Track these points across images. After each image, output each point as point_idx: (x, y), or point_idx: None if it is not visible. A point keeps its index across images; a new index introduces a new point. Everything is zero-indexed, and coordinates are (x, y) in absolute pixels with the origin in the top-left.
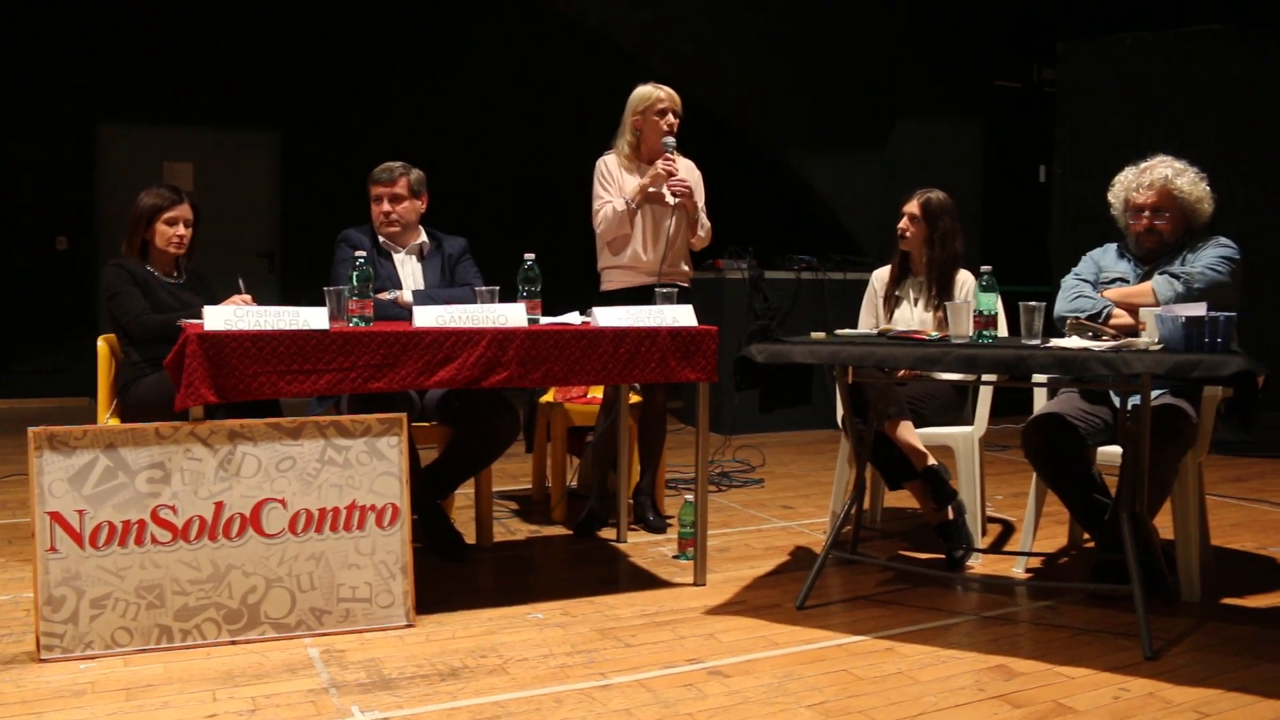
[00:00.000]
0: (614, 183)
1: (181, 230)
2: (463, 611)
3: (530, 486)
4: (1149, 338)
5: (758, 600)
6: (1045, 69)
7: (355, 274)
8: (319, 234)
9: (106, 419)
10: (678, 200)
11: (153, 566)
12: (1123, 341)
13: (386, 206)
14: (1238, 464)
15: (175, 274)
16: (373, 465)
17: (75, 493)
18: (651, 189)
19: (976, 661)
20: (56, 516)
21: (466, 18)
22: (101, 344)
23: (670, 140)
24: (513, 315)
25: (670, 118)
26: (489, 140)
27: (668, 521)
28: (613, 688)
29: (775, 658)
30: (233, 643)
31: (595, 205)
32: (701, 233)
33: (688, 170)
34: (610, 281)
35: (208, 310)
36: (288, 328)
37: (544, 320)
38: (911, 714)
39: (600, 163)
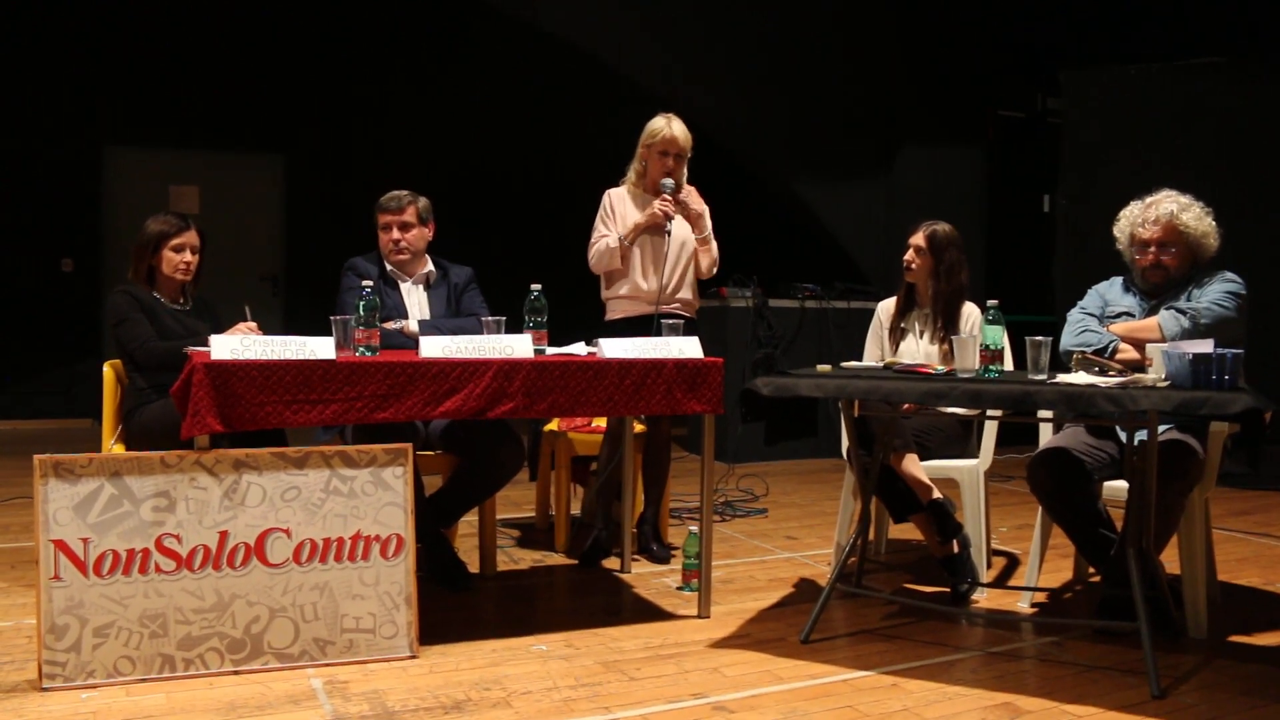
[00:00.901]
0: (614, 218)
1: (188, 257)
2: (466, 642)
3: (534, 515)
4: (1156, 373)
5: (762, 633)
6: (1049, 99)
7: (362, 303)
8: (323, 258)
9: (111, 444)
10: (668, 231)
11: (156, 595)
12: (1129, 377)
13: (396, 234)
14: (1243, 497)
15: (181, 300)
16: (378, 495)
17: (80, 521)
18: (649, 224)
19: (982, 699)
20: (61, 544)
21: (473, 46)
22: (107, 369)
23: (669, 182)
24: (519, 346)
25: (670, 162)
26: (494, 169)
27: (671, 552)
28: None
29: (780, 693)
30: (235, 673)
31: (593, 238)
32: (706, 261)
33: (690, 194)
34: (614, 311)
35: (214, 339)
36: (294, 357)
37: (550, 351)
38: None
39: (605, 196)
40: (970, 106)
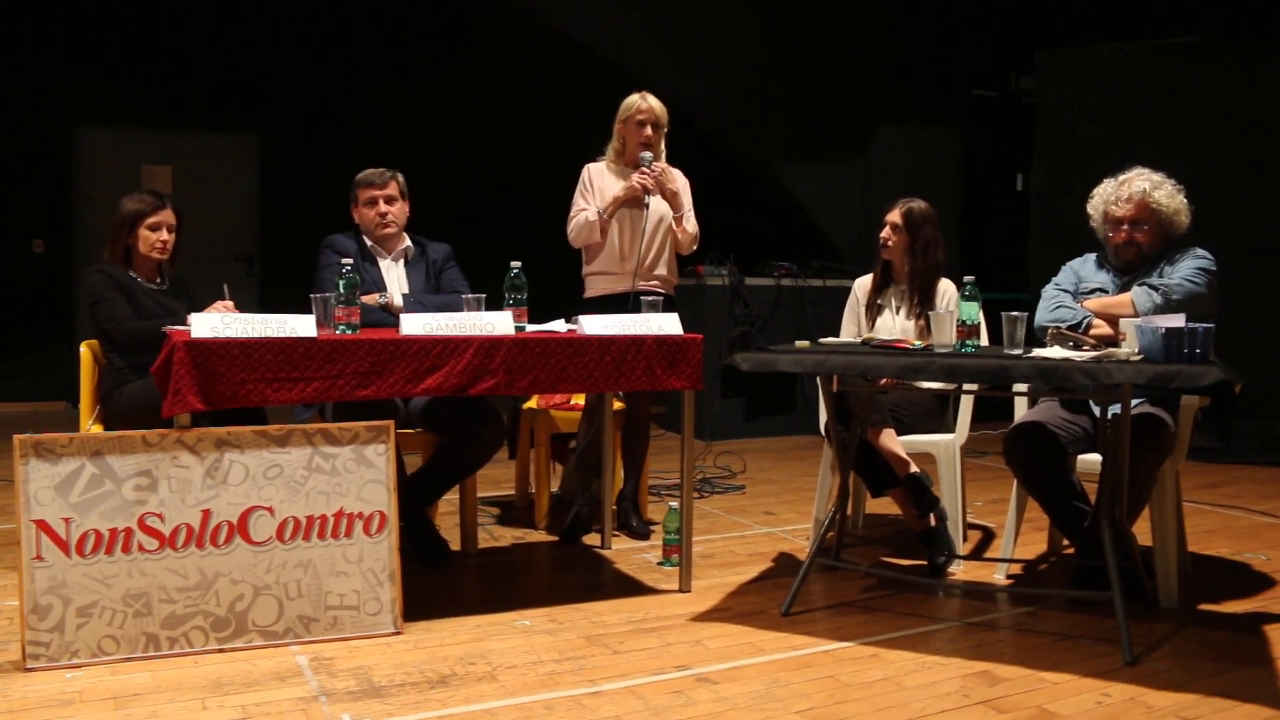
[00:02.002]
0: (593, 192)
1: (165, 235)
2: (450, 619)
3: (513, 492)
4: (1129, 348)
5: (743, 607)
6: (1023, 78)
7: (342, 281)
8: (298, 238)
9: (90, 425)
10: (647, 204)
11: (140, 575)
12: (1103, 351)
13: (383, 207)
14: (1211, 470)
15: (158, 280)
16: (360, 473)
17: (61, 500)
18: (628, 197)
19: (961, 667)
20: (42, 525)
21: (448, 23)
22: (84, 349)
23: (647, 155)
24: (499, 323)
25: (649, 130)
26: (470, 145)
27: (650, 528)
28: (602, 695)
29: (762, 664)
30: (220, 650)
31: (571, 212)
32: (686, 236)
33: (667, 171)
34: (592, 288)
35: (194, 318)
36: (275, 335)
37: (530, 328)
38: None
39: (585, 170)
40: (945, 85)
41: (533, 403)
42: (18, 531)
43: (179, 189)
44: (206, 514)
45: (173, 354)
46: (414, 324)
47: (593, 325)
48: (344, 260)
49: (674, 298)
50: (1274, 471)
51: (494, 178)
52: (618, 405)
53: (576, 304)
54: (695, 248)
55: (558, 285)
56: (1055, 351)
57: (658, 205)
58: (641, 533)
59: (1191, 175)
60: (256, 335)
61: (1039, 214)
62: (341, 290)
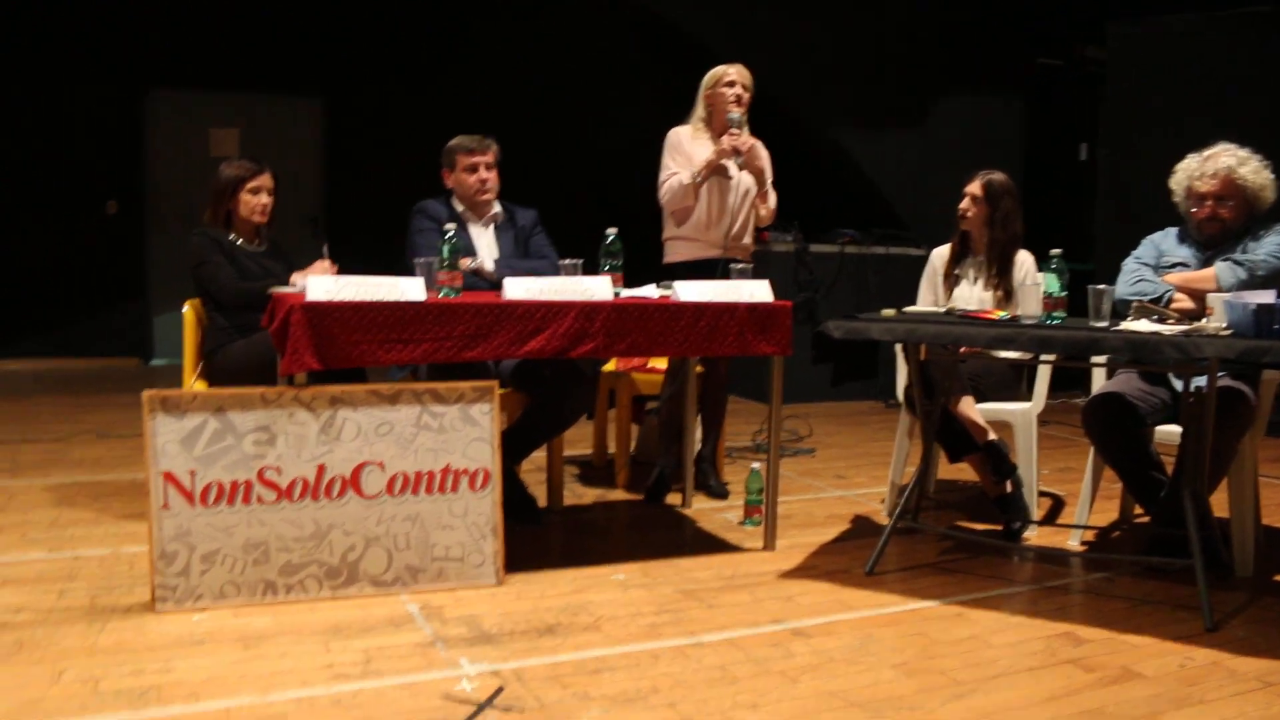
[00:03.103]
0: (683, 154)
1: (265, 199)
2: (548, 571)
3: (590, 453)
4: (1217, 322)
5: (828, 565)
6: (1089, 46)
7: (446, 246)
8: (363, 200)
9: (193, 382)
10: (740, 165)
11: (259, 525)
12: (1191, 326)
13: (483, 174)
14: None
15: (257, 242)
16: (466, 431)
17: (187, 453)
18: (718, 162)
19: (1044, 628)
20: (169, 476)
21: None
22: (187, 309)
23: (735, 115)
24: (599, 288)
25: (738, 89)
26: (540, 112)
27: (727, 488)
28: (704, 645)
29: (853, 620)
30: (334, 598)
31: (662, 176)
32: (765, 210)
33: (756, 146)
34: (674, 253)
35: (311, 281)
36: (387, 299)
37: (624, 293)
38: (990, 674)
39: (671, 134)
40: (1010, 54)
41: (612, 365)
42: (147, 481)
43: (247, 151)
44: (321, 468)
45: (290, 316)
46: (517, 288)
47: (688, 291)
48: (448, 226)
49: (752, 264)
50: None
51: (564, 142)
52: (697, 369)
53: (653, 270)
54: (772, 222)
55: (630, 251)
56: (1142, 324)
57: (743, 176)
58: (720, 492)
59: (1265, 148)
60: (369, 299)
61: (1106, 185)
62: (445, 255)
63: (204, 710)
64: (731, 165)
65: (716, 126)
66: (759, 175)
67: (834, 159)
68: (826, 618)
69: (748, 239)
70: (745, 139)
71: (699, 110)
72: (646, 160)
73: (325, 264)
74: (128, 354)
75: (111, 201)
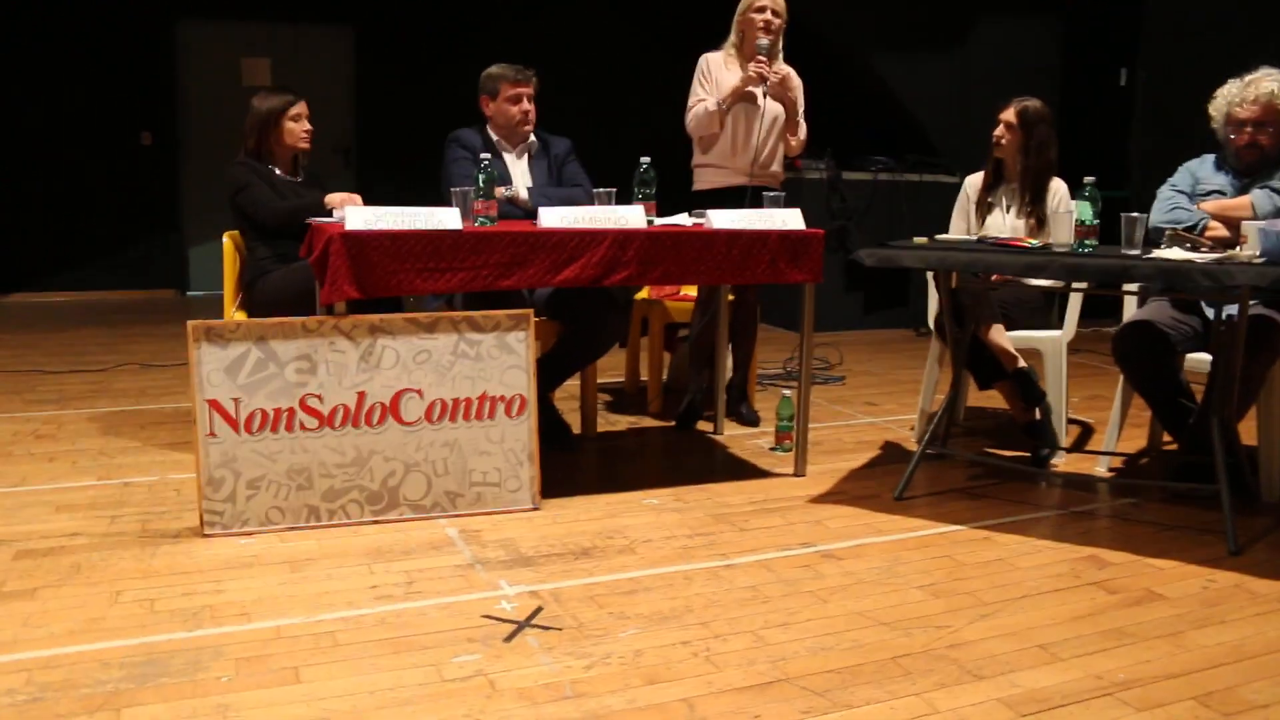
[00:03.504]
0: (711, 81)
1: (307, 125)
2: (581, 496)
3: (623, 379)
4: (1250, 250)
5: (857, 490)
6: None
7: (482, 175)
8: (393, 130)
9: (234, 312)
10: (766, 93)
11: (302, 451)
12: (1224, 254)
13: (526, 105)
14: None
15: (295, 173)
16: (502, 359)
17: (231, 382)
18: (745, 90)
19: (1070, 551)
20: (214, 404)
21: None
22: (226, 240)
23: (763, 42)
24: (633, 217)
25: (769, 15)
26: (568, 38)
27: (758, 415)
28: (736, 567)
29: (882, 544)
30: (375, 522)
31: (690, 102)
32: (795, 141)
33: (788, 77)
34: (701, 181)
35: (349, 210)
36: (424, 227)
37: (657, 221)
38: (1015, 596)
39: (702, 60)
40: None
41: (645, 293)
42: (193, 410)
43: (278, 81)
44: (361, 395)
45: (329, 245)
46: (552, 217)
47: (721, 219)
48: (482, 155)
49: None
50: None
51: (596, 71)
52: (728, 297)
53: (683, 198)
54: (802, 152)
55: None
56: (1174, 253)
57: (771, 105)
58: (751, 420)
59: None
60: (407, 227)
61: (1145, 110)
62: (481, 184)
63: (256, 629)
64: (759, 93)
65: (748, 53)
66: (790, 106)
67: (867, 85)
68: (855, 541)
69: (776, 167)
70: (778, 68)
71: (732, 35)
72: (680, 88)
73: (348, 196)
74: (165, 285)
75: (146, 133)
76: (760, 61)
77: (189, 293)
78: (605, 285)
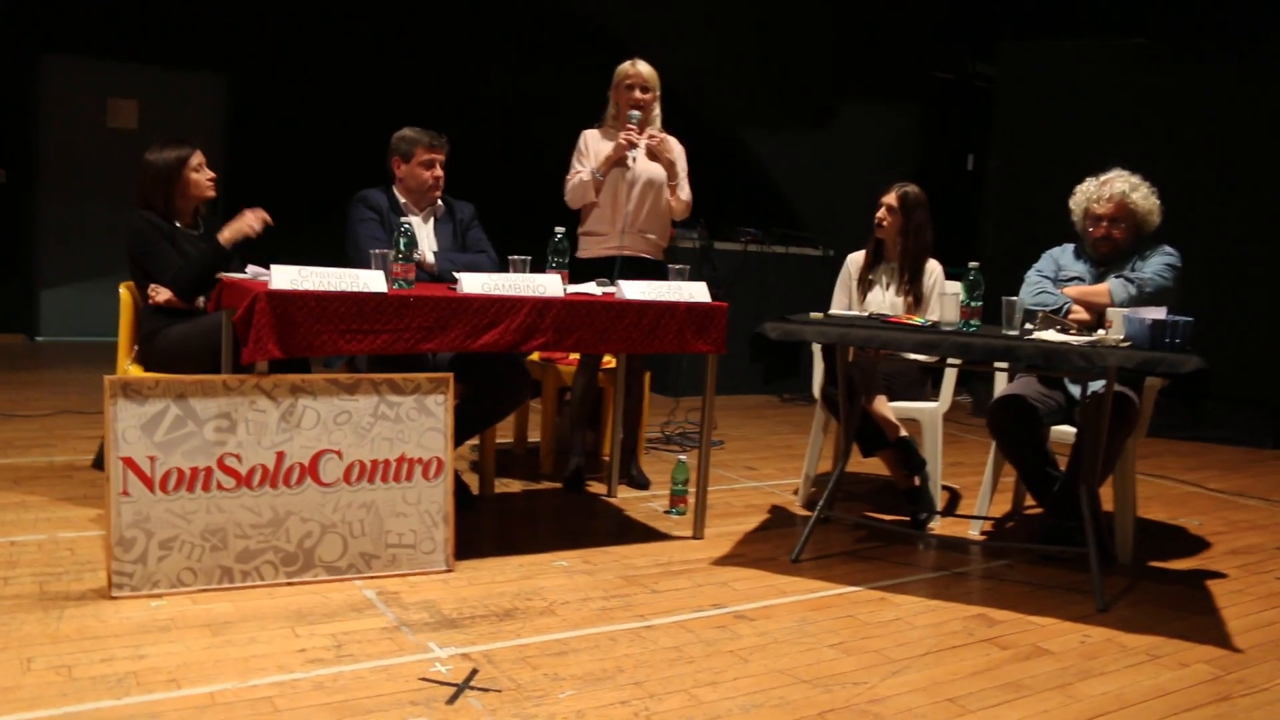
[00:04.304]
0: (588, 155)
1: (209, 173)
2: (493, 558)
3: (511, 440)
4: (1116, 335)
5: (754, 553)
6: (979, 63)
7: (402, 239)
8: (264, 181)
9: (128, 366)
10: (634, 159)
11: (218, 511)
12: (1095, 337)
13: (439, 171)
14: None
15: (195, 225)
16: (421, 421)
17: (147, 439)
18: (618, 156)
19: (960, 610)
20: (129, 462)
21: None
22: (123, 291)
23: (635, 113)
24: (550, 285)
25: (637, 93)
26: (453, 99)
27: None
28: (657, 628)
29: (788, 604)
30: (289, 584)
31: (568, 175)
32: (679, 204)
33: (665, 140)
34: (583, 249)
35: (275, 269)
36: (349, 290)
37: (569, 289)
38: (919, 653)
39: (581, 136)
40: (906, 66)
41: (535, 356)
42: (107, 469)
43: (146, 125)
44: (280, 456)
45: (254, 304)
46: (473, 283)
47: (631, 290)
48: (403, 220)
49: (662, 263)
50: (1193, 445)
51: (480, 130)
52: (609, 362)
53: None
54: (688, 215)
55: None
56: (1050, 334)
57: (644, 166)
58: (642, 483)
59: (1145, 167)
60: (332, 289)
61: (996, 196)
62: (401, 248)
63: (188, 695)
64: (630, 158)
65: (622, 123)
66: (669, 167)
67: (737, 157)
68: (763, 602)
69: (654, 235)
70: (652, 132)
71: (610, 108)
72: (567, 156)
73: (257, 213)
74: (12, 330)
75: (1, 170)
76: (630, 128)
77: (38, 338)
78: (524, 351)
